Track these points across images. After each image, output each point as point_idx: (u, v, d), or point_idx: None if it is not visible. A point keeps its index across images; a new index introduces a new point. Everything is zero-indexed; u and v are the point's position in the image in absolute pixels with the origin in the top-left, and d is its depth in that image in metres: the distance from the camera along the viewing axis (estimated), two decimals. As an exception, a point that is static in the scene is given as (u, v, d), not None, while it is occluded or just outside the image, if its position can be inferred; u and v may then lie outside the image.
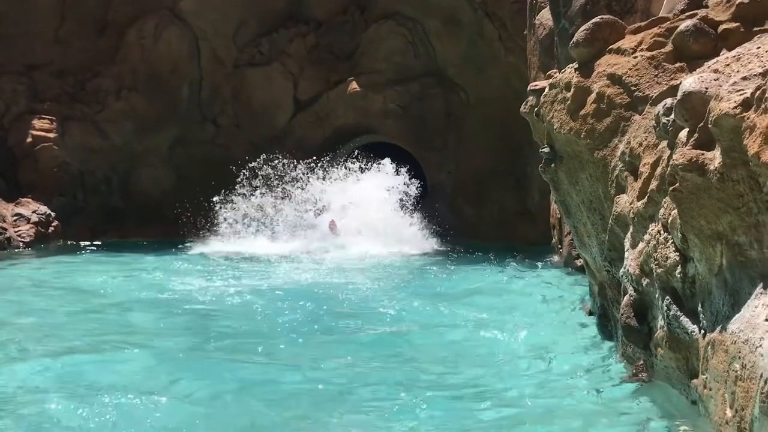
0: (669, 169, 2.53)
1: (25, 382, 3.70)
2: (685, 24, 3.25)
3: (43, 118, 12.27)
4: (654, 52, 3.39)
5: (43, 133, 12.19)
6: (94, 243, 10.92)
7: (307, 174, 11.59)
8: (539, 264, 7.83)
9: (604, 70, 3.55)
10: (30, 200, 11.81)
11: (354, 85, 12.43)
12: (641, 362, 3.19)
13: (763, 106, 2.12)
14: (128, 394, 3.45)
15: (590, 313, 4.68)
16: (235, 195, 11.53)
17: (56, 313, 5.66)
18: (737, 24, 3.18)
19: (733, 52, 2.81)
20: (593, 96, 3.57)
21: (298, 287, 6.72)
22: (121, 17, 12.83)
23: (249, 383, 3.69)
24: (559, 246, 7.97)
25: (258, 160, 11.77)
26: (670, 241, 2.71)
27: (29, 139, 12.10)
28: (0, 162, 11.92)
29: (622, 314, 3.16)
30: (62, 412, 3.22)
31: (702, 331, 2.50)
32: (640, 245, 3.00)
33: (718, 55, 3.08)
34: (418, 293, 6.45)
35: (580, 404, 3.22)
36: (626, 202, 3.22)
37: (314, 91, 12.82)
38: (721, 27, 3.22)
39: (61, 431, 3.05)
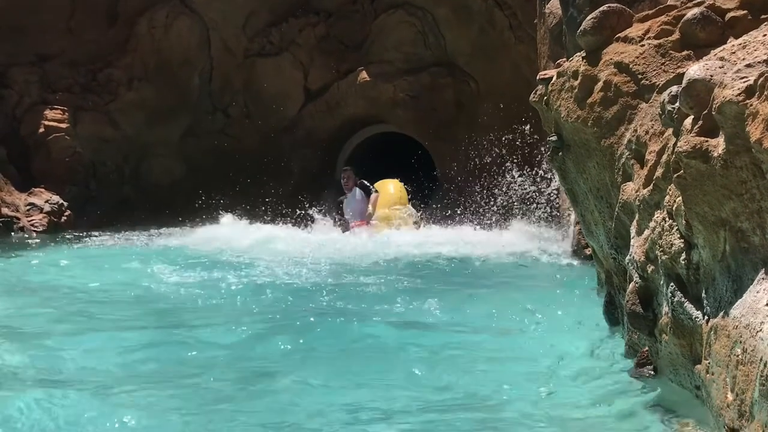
0: (673, 156, 2.55)
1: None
2: (692, 12, 3.26)
3: (55, 109, 12.39)
4: (661, 41, 3.40)
5: (55, 124, 12.32)
6: (106, 232, 10.97)
7: None
8: (547, 253, 7.83)
9: (611, 59, 3.56)
10: (42, 190, 11.95)
11: (364, 75, 12.45)
12: (646, 349, 3.22)
13: (766, 92, 2.13)
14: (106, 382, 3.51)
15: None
16: None
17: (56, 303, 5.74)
18: (745, 12, 3.18)
19: (740, 40, 2.81)
20: (600, 84, 3.58)
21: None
22: (132, 7, 12.91)
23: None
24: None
25: None
26: (675, 228, 2.74)
27: (41, 130, 12.23)
28: (13, 152, 12.06)
29: (627, 301, 3.19)
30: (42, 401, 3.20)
31: (705, 317, 2.53)
32: (646, 232, 3.02)
33: (725, 43, 3.08)
34: (428, 279, 6.50)
35: (582, 391, 3.26)
36: (632, 190, 3.24)
37: (324, 81, 12.85)
38: (729, 15, 3.21)
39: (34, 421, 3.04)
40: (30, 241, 10.54)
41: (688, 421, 2.74)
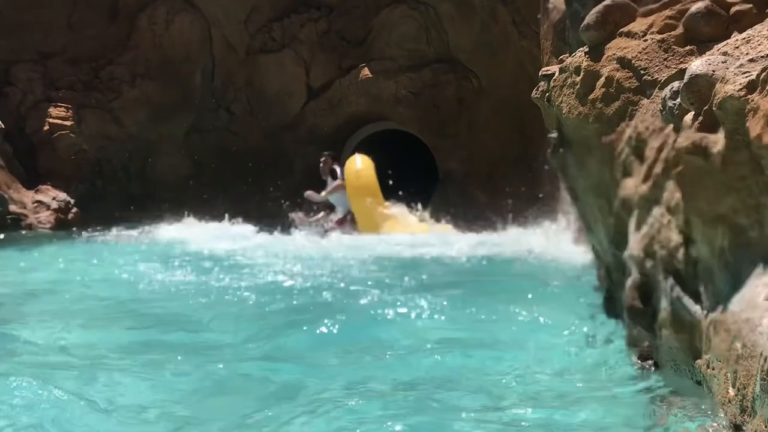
0: (673, 152, 2.55)
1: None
2: (697, 6, 3.24)
3: (59, 106, 12.42)
4: (664, 35, 3.38)
5: (59, 121, 12.35)
6: (112, 229, 10.94)
7: None
8: (547, 249, 7.81)
9: (613, 54, 3.55)
10: (49, 187, 12.00)
11: (366, 71, 12.44)
12: (646, 344, 3.22)
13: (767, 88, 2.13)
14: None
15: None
16: None
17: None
18: (750, 5, 3.16)
19: (743, 35, 2.79)
20: (602, 80, 3.57)
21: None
22: (133, 3, 12.91)
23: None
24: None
25: None
26: (674, 223, 2.74)
27: (46, 127, 12.27)
28: (19, 149, 12.10)
29: (626, 296, 3.19)
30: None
31: (704, 312, 2.53)
32: (645, 228, 3.02)
33: (729, 37, 3.06)
34: (428, 277, 6.49)
35: (583, 384, 3.27)
36: (632, 186, 3.24)
37: (326, 77, 12.84)
38: (733, 9, 3.19)
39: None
40: (36, 238, 10.56)
41: (689, 408, 2.73)
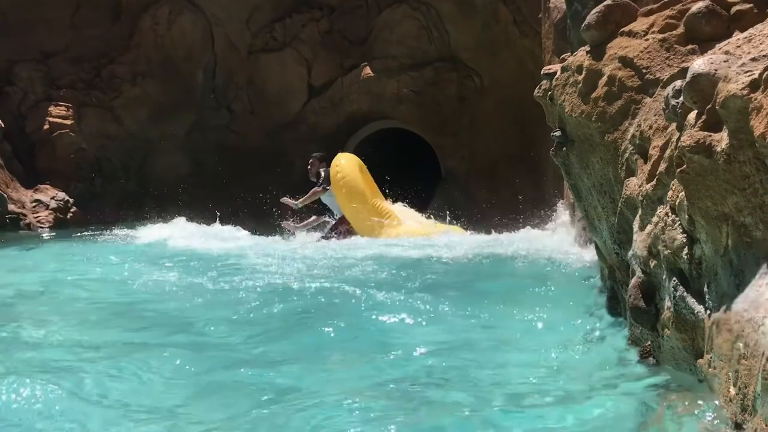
0: (677, 151, 2.55)
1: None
2: (697, 6, 3.24)
3: (60, 105, 12.44)
4: (666, 35, 3.39)
5: (60, 120, 12.37)
6: (111, 228, 10.90)
7: None
8: (550, 249, 7.80)
9: (615, 53, 3.55)
10: (48, 186, 12.01)
11: (367, 70, 12.45)
12: (648, 343, 3.22)
13: (770, 86, 2.12)
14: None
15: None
16: None
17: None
18: (750, 5, 3.17)
19: (745, 34, 2.79)
20: (604, 79, 3.57)
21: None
22: (135, 3, 12.95)
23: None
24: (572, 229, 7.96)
25: None
26: (678, 222, 2.73)
27: (46, 126, 12.29)
28: (18, 148, 12.11)
29: (629, 296, 3.18)
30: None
31: (708, 312, 2.52)
32: (649, 227, 3.01)
33: (730, 36, 3.06)
34: (429, 277, 6.48)
35: (586, 383, 3.27)
36: (636, 185, 3.24)
37: (328, 76, 12.85)
38: (734, 8, 3.20)
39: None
40: (35, 237, 10.56)
41: (690, 406, 2.72)
